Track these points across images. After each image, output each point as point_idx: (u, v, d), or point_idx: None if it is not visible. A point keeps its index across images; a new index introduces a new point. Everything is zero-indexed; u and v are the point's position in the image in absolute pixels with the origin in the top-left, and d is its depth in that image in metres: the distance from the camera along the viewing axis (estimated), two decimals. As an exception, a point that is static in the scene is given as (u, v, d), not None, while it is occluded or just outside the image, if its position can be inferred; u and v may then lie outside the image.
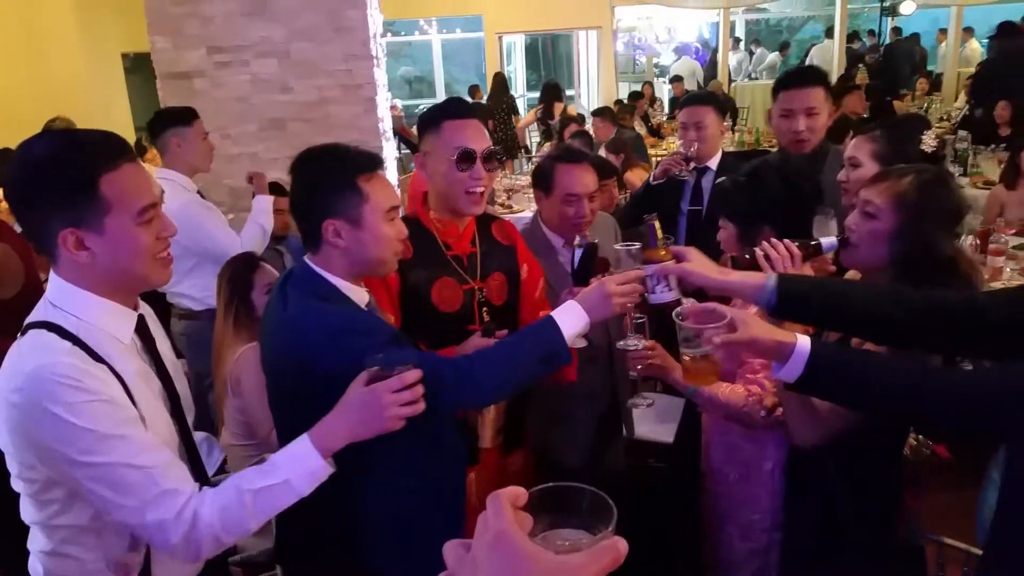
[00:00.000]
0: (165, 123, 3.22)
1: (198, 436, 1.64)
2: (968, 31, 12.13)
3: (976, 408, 1.28)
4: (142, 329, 1.44)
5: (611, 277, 1.59)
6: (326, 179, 1.55)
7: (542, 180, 2.38)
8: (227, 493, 1.35)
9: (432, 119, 1.89)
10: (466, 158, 1.82)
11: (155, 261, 1.37)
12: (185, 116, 3.24)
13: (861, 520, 1.67)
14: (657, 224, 1.70)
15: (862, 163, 2.19)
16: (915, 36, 12.28)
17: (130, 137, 7.15)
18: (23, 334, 1.32)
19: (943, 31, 12.38)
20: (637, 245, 1.65)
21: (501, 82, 10.11)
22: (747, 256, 1.70)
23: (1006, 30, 8.34)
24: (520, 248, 2.11)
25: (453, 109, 1.90)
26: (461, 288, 1.92)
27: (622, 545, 0.58)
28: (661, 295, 1.68)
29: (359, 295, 1.62)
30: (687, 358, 1.48)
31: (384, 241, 1.57)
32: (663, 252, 1.68)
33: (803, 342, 1.34)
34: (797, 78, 2.74)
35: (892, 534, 1.69)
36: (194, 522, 1.30)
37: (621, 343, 1.73)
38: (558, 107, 8.81)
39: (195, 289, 3.24)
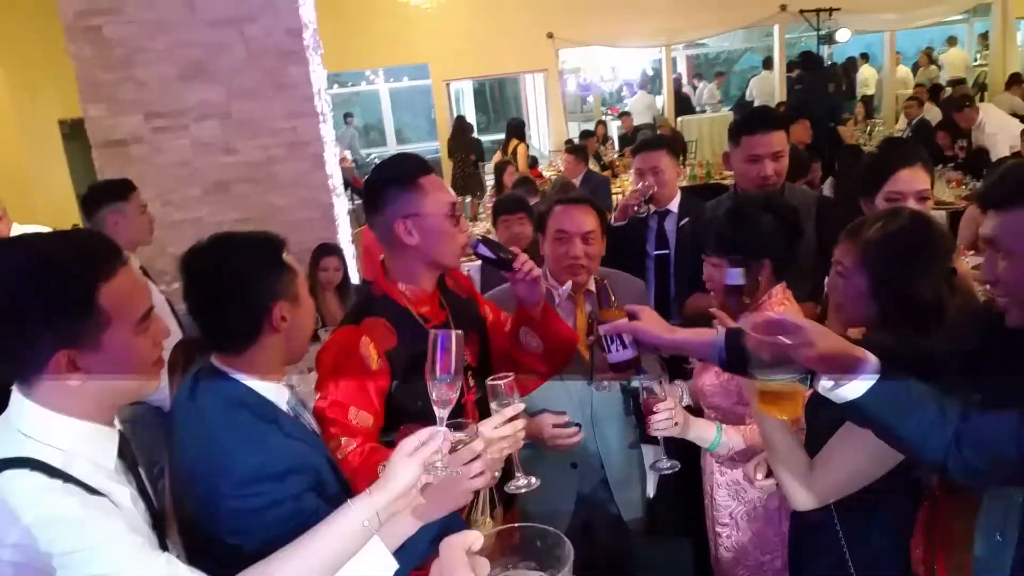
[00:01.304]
0: (100, 200, 3.01)
1: None
2: (897, 55, 12.66)
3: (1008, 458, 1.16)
4: (122, 447, 1.27)
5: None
6: (259, 265, 1.45)
7: (540, 222, 2.38)
8: None
9: (408, 177, 1.75)
10: (454, 211, 1.79)
11: (151, 369, 1.25)
12: (121, 190, 3.05)
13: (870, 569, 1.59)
14: (609, 285, 1.68)
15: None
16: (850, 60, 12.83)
17: (72, 208, 6.88)
18: None
19: (864, 55, 13.07)
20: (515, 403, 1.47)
21: (462, 124, 10.19)
22: None
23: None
24: (476, 295, 2.06)
25: (423, 165, 1.81)
26: None
27: None
28: (617, 354, 1.64)
29: (280, 394, 1.49)
30: (769, 386, 1.29)
31: (312, 312, 1.60)
32: (616, 311, 1.64)
33: (872, 359, 1.19)
34: (761, 123, 2.65)
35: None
36: None
37: (510, 487, 1.57)
38: (512, 144, 8.83)
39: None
